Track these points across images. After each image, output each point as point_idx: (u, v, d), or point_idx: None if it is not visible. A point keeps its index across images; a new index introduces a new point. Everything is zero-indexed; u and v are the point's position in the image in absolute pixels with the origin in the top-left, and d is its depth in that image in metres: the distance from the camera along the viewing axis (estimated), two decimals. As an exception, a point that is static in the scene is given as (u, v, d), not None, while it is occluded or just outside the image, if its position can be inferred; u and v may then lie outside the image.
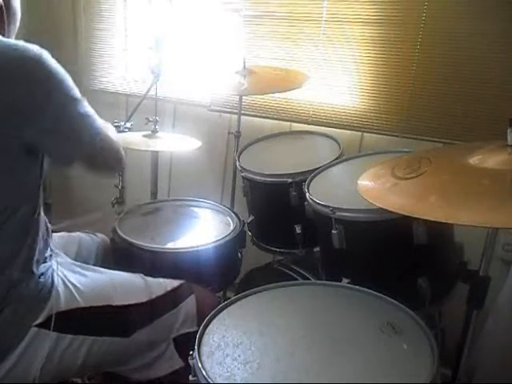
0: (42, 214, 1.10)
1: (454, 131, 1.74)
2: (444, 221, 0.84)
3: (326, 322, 1.00)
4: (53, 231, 1.18)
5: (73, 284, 1.10)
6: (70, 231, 1.44)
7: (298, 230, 1.53)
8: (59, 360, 1.04)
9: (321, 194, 1.33)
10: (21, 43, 0.92)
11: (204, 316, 0.99)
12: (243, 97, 1.93)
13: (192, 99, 2.32)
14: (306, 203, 1.36)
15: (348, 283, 1.18)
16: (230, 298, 1.06)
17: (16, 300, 1.01)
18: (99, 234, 1.49)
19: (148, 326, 1.16)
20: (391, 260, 1.20)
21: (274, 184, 1.55)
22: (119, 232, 1.46)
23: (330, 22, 1.90)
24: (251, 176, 1.60)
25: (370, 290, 1.07)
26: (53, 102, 0.94)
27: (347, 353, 0.90)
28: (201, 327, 0.95)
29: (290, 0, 1.96)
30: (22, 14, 1.09)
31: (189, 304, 1.23)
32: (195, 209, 1.72)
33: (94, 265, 1.32)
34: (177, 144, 1.86)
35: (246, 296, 1.07)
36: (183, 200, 1.76)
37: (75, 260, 1.26)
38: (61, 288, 1.08)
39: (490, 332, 1.41)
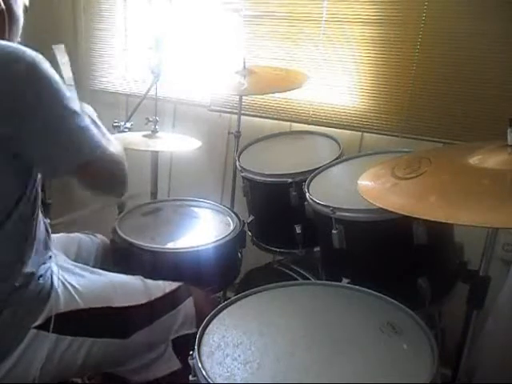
0: (41, 215, 1.10)
1: (454, 131, 1.74)
2: (444, 221, 0.84)
3: (326, 322, 0.99)
4: (51, 225, 1.17)
5: (72, 285, 1.10)
6: (69, 232, 1.44)
7: (298, 230, 1.53)
8: (59, 361, 1.04)
9: (321, 194, 1.33)
10: (15, 46, 0.91)
11: (203, 318, 0.98)
12: (243, 97, 1.93)
13: (192, 99, 2.33)
14: (306, 203, 1.36)
15: (348, 283, 1.18)
16: (229, 298, 1.06)
17: (15, 302, 1.00)
18: (99, 235, 1.49)
19: (147, 328, 1.16)
20: (391, 260, 1.20)
21: (274, 184, 1.55)
22: (119, 232, 1.46)
23: (330, 22, 1.90)
24: (251, 176, 1.60)
25: (369, 290, 1.07)
26: (44, 104, 0.91)
27: (347, 353, 0.90)
28: (201, 327, 0.95)
29: (289, 0, 1.96)
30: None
31: (187, 306, 1.23)
32: (195, 209, 1.72)
33: (94, 266, 1.32)
34: (177, 144, 1.86)
35: (246, 296, 1.07)
36: (183, 200, 1.76)
37: (75, 261, 1.26)
38: (60, 289, 1.07)
39: (490, 332, 1.41)
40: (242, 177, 1.65)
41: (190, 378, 0.86)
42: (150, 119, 1.83)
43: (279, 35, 2.02)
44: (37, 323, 1.02)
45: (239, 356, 0.88)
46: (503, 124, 0.94)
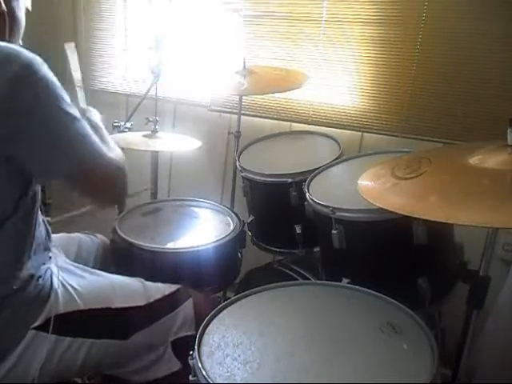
0: (41, 215, 1.10)
1: (454, 131, 1.74)
2: (444, 221, 0.84)
3: (326, 321, 0.99)
4: (50, 223, 1.17)
5: (72, 286, 1.10)
6: (69, 232, 1.44)
7: (298, 230, 1.53)
8: (58, 361, 1.04)
9: (321, 194, 1.33)
10: (13, 47, 0.91)
11: (202, 320, 0.98)
12: (243, 97, 1.93)
13: (192, 99, 2.33)
14: (306, 203, 1.36)
15: (348, 283, 1.18)
16: (229, 298, 1.06)
17: (15, 302, 1.00)
18: (99, 235, 1.49)
19: (146, 329, 1.16)
20: (391, 260, 1.20)
21: (274, 184, 1.55)
22: (119, 232, 1.46)
23: (330, 22, 1.90)
24: (251, 176, 1.60)
25: (369, 290, 1.07)
26: (42, 105, 0.91)
27: (347, 353, 0.90)
28: (201, 327, 0.95)
29: (289, 0, 1.97)
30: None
31: (187, 308, 1.23)
32: (195, 209, 1.72)
33: (94, 266, 1.32)
34: (177, 144, 1.86)
35: (246, 296, 1.07)
36: (183, 200, 1.76)
37: (75, 261, 1.26)
38: (60, 290, 1.07)
39: (490, 332, 1.41)
40: (242, 177, 1.65)
41: (190, 378, 0.86)
42: (150, 119, 1.82)
43: (279, 35, 2.02)
44: (36, 324, 1.02)
45: (239, 356, 0.88)
46: (503, 124, 0.94)
